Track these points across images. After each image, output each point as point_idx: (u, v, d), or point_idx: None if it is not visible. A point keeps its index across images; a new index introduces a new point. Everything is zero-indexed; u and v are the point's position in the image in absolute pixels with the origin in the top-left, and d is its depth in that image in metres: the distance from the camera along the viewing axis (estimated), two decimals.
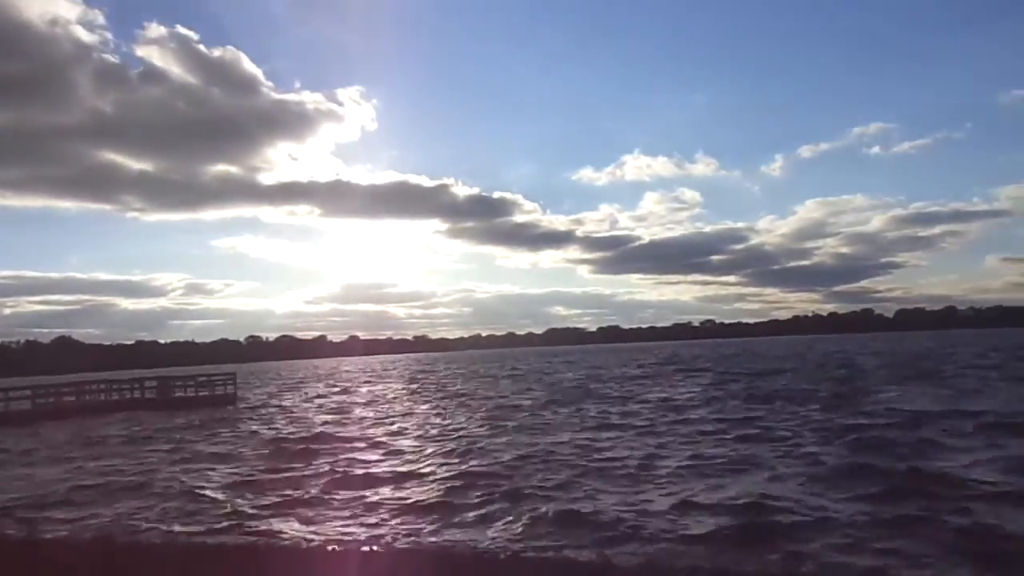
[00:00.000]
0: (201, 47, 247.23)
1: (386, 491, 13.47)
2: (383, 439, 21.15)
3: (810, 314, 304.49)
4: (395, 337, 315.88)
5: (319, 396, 44.59)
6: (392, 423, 25.78)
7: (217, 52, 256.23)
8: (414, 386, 51.07)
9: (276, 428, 26.02)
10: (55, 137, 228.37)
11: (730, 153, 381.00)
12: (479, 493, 12.67)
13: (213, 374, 43.86)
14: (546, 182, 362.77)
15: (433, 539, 9.86)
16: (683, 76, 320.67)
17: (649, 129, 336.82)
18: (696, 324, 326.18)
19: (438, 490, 13.25)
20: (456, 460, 16.57)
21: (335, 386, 56.66)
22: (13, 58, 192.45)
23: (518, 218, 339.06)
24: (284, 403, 39.48)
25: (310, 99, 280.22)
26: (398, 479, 14.62)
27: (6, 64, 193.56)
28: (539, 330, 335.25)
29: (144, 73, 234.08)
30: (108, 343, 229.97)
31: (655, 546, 9.09)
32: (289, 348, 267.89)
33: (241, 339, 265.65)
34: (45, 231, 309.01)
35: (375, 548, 8.19)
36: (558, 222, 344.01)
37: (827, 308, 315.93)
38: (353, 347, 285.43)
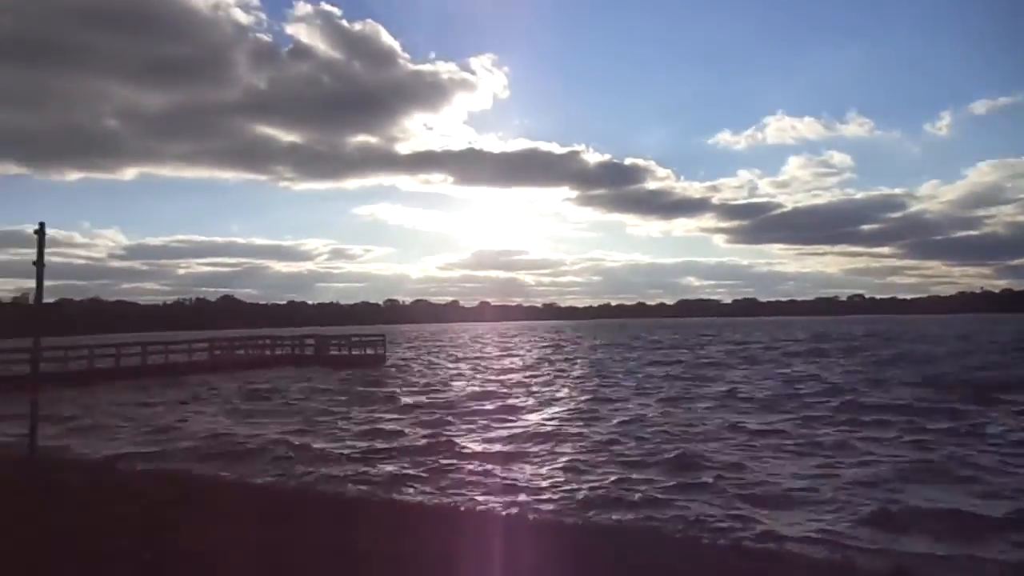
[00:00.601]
0: (343, 22, 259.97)
1: (540, 450, 14.25)
2: (534, 401, 22.11)
3: (979, 290, 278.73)
4: (524, 304, 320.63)
5: (464, 358, 46.66)
6: (543, 386, 26.78)
7: (358, 26, 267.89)
8: (559, 352, 52.13)
9: (429, 387, 27.72)
10: (217, 113, 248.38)
11: (887, 111, 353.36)
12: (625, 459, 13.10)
13: (365, 335, 47.01)
14: (680, 147, 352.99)
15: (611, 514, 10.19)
16: (833, 26, 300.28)
17: (794, 88, 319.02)
18: (843, 298, 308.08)
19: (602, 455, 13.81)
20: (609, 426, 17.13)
21: (477, 349, 58.90)
22: (181, 41, 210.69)
23: (650, 185, 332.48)
24: (431, 363, 41.72)
25: (444, 69, 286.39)
26: (552, 439, 15.38)
27: (175, 47, 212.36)
28: (670, 301, 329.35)
29: (293, 50, 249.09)
30: (264, 302, 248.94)
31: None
32: (424, 312, 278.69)
33: (380, 302, 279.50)
34: (210, 199, 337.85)
35: (515, 513, 8.68)
36: (692, 189, 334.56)
37: (999, 284, 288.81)
38: (484, 313, 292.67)
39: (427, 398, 23.88)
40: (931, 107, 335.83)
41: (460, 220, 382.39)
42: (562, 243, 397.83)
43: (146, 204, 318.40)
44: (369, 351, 43.74)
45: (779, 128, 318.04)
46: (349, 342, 44.89)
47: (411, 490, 11.03)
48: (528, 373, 33.92)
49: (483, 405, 21.47)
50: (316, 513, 6.89)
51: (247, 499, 7.94)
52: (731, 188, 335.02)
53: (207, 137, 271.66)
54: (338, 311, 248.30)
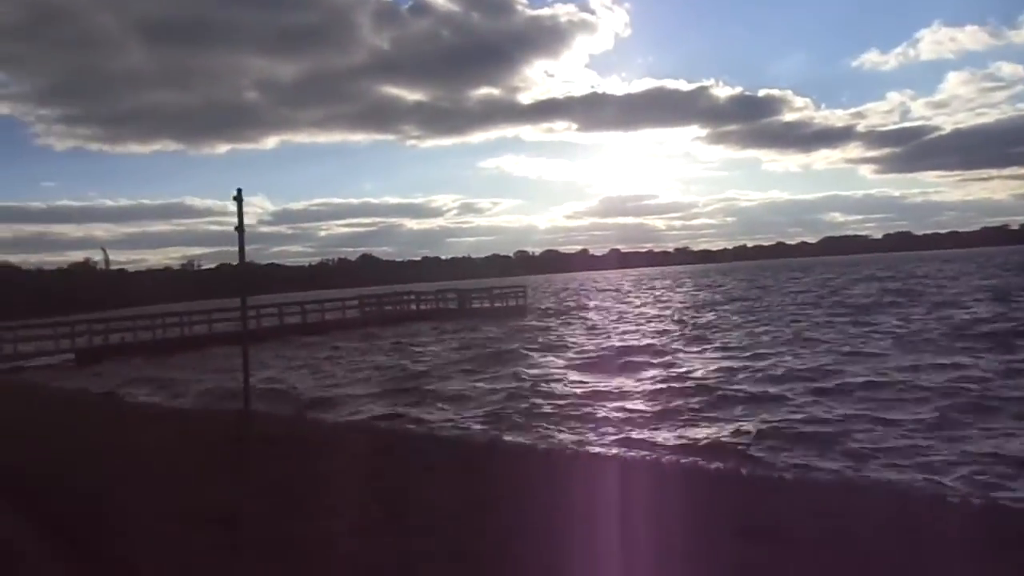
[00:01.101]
0: None
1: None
2: (701, 347, 21.44)
3: None
4: (656, 249, 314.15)
5: (606, 306, 46.29)
6: (706, 331, 25.99)
7: None
8: (701, 296, 50.64)
9: (577, 337, 27.60)
10: (344, 78, 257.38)
11: None
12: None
13: (506, 287, 47.57)
14: (820, 73, 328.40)
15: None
16: None
17: None
18: (1015, 227, 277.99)
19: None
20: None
21: (617, 296, 58.32)
22: (308, 9, 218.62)
23: (787, 117, 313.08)
24: (573, 311, 41.65)
25: (563, 12, 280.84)
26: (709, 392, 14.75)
27: (303, 16, 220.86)
28: (812, 239, 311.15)
29: (413, 7, 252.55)
30: (399, 259, 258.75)
31: None
32: (554, 262, 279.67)
33: (510, 254, 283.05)
34: (343, 162, 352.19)
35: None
36: (834, 117, 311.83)
37: None
38: (614, 260, 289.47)
39: (593, 345, 23.75)
40: None
41: (586, 167, 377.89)
42: (693, 184, 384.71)
43: (286, 171, 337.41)
44: (511, 302, 44.24)
45: (935, 41, 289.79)
46: (491, 294, 45.57)
47: None
48: (681, 318, 33.02)
49: (654, 349, 21.14)
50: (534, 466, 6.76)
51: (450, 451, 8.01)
52: (879, 113, 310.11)
53: (337, 102, 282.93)
54: (469, 265, 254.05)
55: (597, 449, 9.51)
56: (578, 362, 19.97)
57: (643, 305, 45.57)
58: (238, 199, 8.41)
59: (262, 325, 36.84)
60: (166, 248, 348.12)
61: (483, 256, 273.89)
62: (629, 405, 13.46)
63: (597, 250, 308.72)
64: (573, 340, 26.58)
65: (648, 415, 12.58)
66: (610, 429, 11.48)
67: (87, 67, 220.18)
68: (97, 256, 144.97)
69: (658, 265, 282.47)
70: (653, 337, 25.91)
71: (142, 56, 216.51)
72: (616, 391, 15.09)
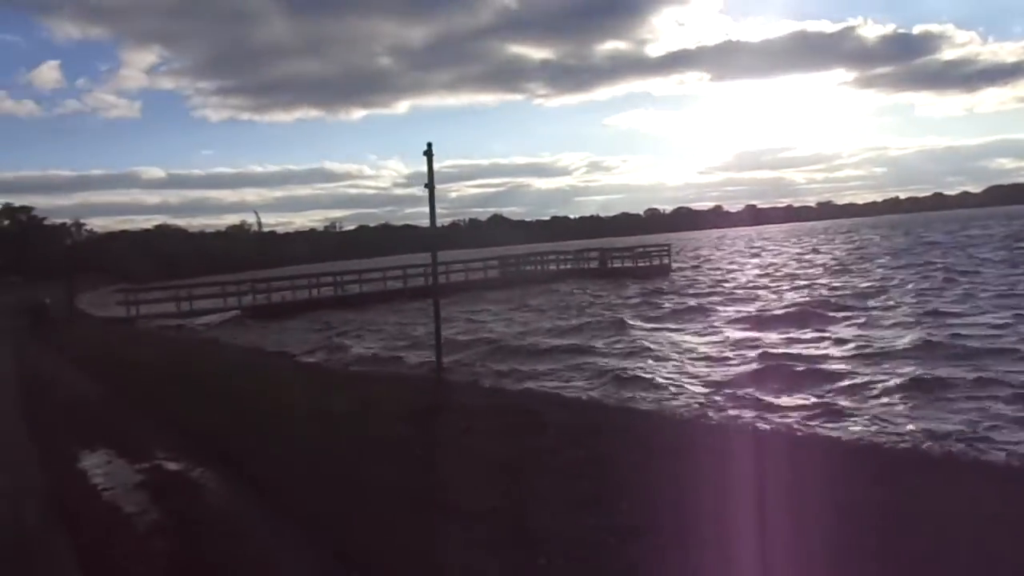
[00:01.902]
0: None
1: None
2: (870, 315, 19.36)
3: None
4: (795, 204, 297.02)
5: (750, 266, 43.76)
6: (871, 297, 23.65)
7: None
8: (859, 254, 46.89)
9: (741, 297, 25.93)
10: (472, 39, 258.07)
11: None
12: None
13: (649, 245, 45.95)
14: (987, 1, 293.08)
15: None
16: None
17: None
18: None
19: None
20: None
21: (759, 254, 55.19)
22: None
23: (947, 54, 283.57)
24: (719, 271, 39.58)
25: None
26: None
27: None
28: (976, 189, 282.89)
29: None
30: (529, 219, 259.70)
31: None
32: (685, 219, 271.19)
33: (640, 212, 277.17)
34: (472, 123, 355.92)
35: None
36: (1004, 51, 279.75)
37: None
38: (750, 217, 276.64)
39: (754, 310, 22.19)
40: None
41: (719, 120, 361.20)
42: (837, 134, 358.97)
43: (418, 133, 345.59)
44: (655, 262, 42.64)
45: None
46: (634, 253, 44.13)
47: None
48: (838, 280, 30.37)
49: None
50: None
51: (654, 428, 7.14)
52: None
53: (465, 63, 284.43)
54: (599, 223, 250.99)
55: None
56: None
57: (789, 262, 42.62)
58: (428, 154, 7.78)
59: (408, 285, 37.53)
60: (310, 211, 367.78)
61: (612, 215, 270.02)
62: None
63: (731, 206, 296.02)
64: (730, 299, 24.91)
65: None
66: None
67: (237, 41, 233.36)
68: (251, 219, 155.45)
69: (797, 221, 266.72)
70: (814, 298, 23.74)
71: (284, 27, 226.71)
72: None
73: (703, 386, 11.75)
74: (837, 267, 37.30)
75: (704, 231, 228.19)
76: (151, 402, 9.33)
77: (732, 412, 9.44)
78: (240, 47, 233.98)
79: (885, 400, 10.32)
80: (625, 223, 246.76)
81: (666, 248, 43.33)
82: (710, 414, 8.75)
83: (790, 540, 3.86)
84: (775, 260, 48.04)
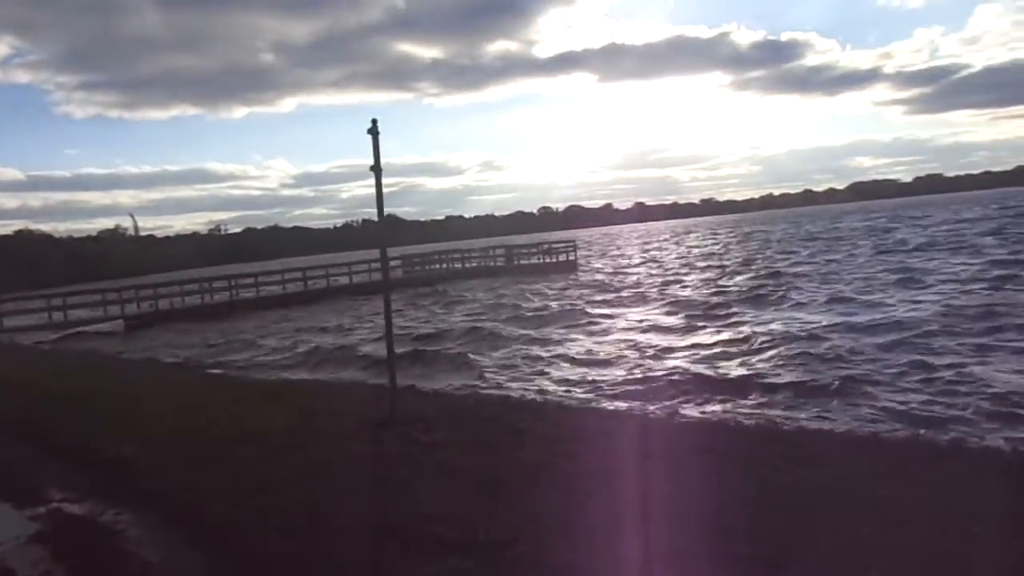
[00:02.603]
0: None
1: None
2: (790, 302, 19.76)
3: None
4: (681, 201, 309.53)
5: (653, 260, 44.58)
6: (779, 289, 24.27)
7: None
8: (749, 247, 48.74)
9: (652, 292, 26.06)
10: (360, 37, 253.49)
11: None
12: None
13: (555, 242, 45.92)
14: (844, 12, 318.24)
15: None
16: None
17: None
18: None
19: None
20: None
21: (657, 249, 56.49)
22: None
23: (810, 60, 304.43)
24: (622, 267, 40.03)
25: None
26: None
27: None
28: (840, 185, 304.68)
29: None
30: (423, 219, 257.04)
31: None
32: (578, 217, 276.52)
33: (534, 211, 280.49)
34: (361, 122, 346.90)
35: None
36: (860, 59, 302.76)
37: None
38: (639, 214, 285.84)
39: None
40: None
41: (606, 120, 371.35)
42: (716, 134, 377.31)
43: (305, 133, 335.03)
44: (561, 257, 42.63)
45: None
46: (540, 250, 43.95)
47: None
48: (736, 273, 31.26)
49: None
50: None
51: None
52: (907, 52, 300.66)
53: (353, 61, 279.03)
54: (494, 222, 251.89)
55: None
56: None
57: (690, 258, 43.81)
58: (373, 131, 6.86)
59: (309, 288, 35.72)
60: (191, 214, 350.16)
61: (506, 213, 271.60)
62: None
63: (620, 204, 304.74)
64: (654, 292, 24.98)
65: None
66: None
67: (103, 32, 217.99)
68: (126, 223, 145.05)
69: (682, 217, 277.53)
70: (732, 290, 24.22)
71: (157, 19, 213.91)
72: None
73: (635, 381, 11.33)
74: (734, 261, 38.54)
75: (595, 228, 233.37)
76: (37, 429, 7.86)
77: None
78: (107, 39, 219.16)
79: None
80: (520, 222, 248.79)
81: (572, 244, 43.45)
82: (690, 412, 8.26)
83: None
84: (673, 255, 49.20)
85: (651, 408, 8.29)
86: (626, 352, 13.19)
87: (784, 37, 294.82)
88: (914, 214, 78.56)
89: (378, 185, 6.92)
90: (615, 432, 6.41)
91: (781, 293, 20.79)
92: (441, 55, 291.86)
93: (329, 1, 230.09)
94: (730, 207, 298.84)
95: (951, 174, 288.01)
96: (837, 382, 9.34)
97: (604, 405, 8.59)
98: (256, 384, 10.56)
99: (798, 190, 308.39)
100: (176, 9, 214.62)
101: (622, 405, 8.43)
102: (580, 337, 15.40)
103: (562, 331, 16.67)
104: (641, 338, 14.74)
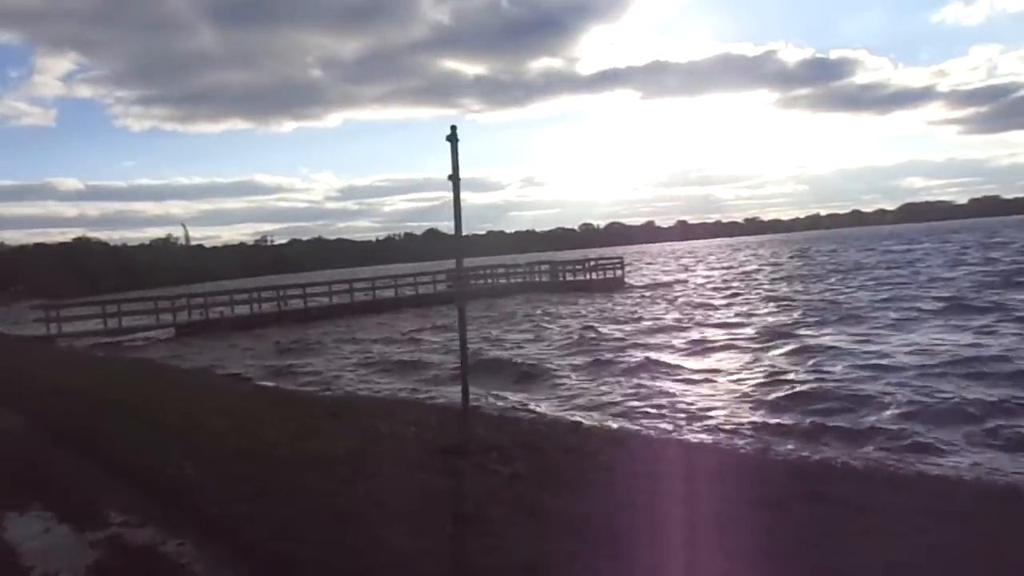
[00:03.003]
0: None
1: None
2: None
3: None
4: (724, 220, 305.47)
5: (696, 278, 43.60)
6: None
7: None
8: (812, 266, 47.35)
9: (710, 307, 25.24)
10: (406, 53, 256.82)
11: None
12: None
13: (601, 258, 45.26)
14: (897, 29, 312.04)
15: None
16: None
17: None
18: None
19: None
20: None
21: (707, 267, 55.37)
22: None
23: (861, 78, 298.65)
24: (674, 285, 39.19)
25: None
26: None
27: None
28: (891, 206, 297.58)
29: None
30: (464, 234, 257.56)
31: None
32: (619, 235, 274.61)
33: (575, 227, 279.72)
34: (406, 137, 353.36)
35: None
36: (913, 77, 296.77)
37: None
38: (681, 232, 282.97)
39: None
40: None
41: (650, 137, 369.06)
42: (761, 152, 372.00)
43: (351, 147, 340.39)
44: (608, 274, 41.93)
45: None
46: (587, 266, 43.32)
47: None
48: (792, 295, 30.18)
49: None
50: None
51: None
52: (963, 70, 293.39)
53: (399, 77, 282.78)
54: (534, 238, 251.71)
55: None
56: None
57: (742, 275, 42.70)
58: (452, 138, 6.46)
59: (354, 300, 35.69)
60: (238, 224, 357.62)
61: (547, 229, 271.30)
62: None
63: (663, 222, 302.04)
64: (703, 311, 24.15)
65: None
66: None
67: (160, 49, 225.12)
68: (178, 232, 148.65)
69: (725, 236, 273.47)
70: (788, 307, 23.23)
71: (211, 37, 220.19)
72: None
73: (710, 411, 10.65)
74: (787, 282, 37.36)
75: (638, 245, 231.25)
76: (95, 440, 7.59)
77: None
78: (163, 56, 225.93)
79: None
80: (561, 237, 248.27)
81: (619, 260, 42.70)
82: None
83: None
84: (727, 274, 48.03)
85: (740, 443, 7.66)
86: (699, 378, 12.49)
87: (833, 55, 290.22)
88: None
89: (456, 194, 6.52)
90: (710, 470, 5.85)
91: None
92: (485, 72, 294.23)
93: (376, 18, 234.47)
94: (774, 227, 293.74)
95: (1009, 196, 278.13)
96: (950, 419, 8.53)
97: (688, 437, 7.98)
98: (315, 400, 10.22)
99: (846, 210, 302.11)
100: (229, 27, 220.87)
101: (706, 438, 7.82)
102: (655, 360, 14.69)
103: (635, 353, 15.98)
104: (717, 363, 13.99)
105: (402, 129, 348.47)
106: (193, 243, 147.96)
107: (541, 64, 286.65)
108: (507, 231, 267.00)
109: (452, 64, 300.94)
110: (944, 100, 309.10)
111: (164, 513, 5.51)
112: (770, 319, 20.90)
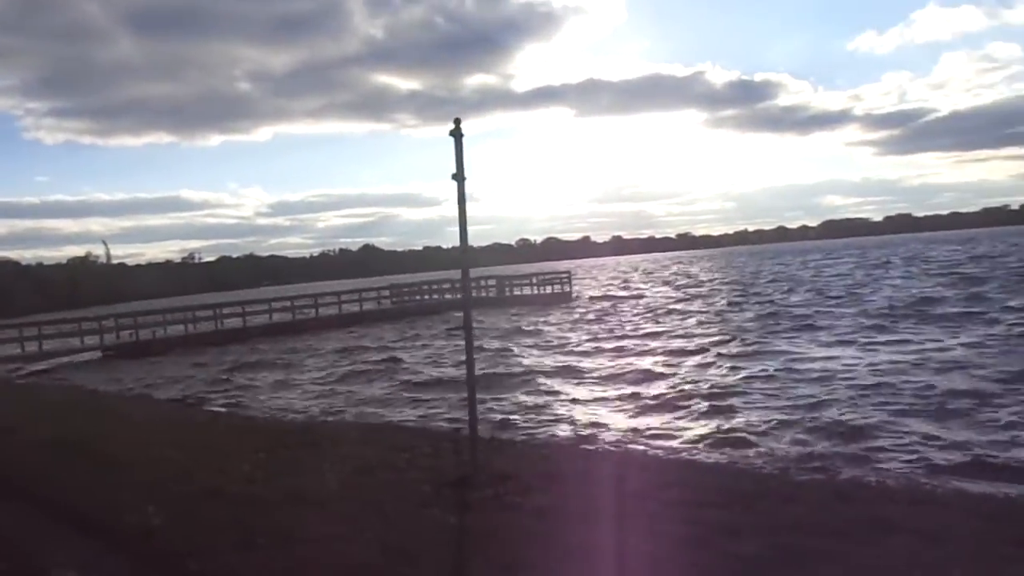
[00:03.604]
0: None
1: None
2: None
3: None
4: (657, 236, 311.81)
5: (637, 292, 43.77)
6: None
7: None
8: (743, 280, 48.19)
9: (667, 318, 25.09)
10: (338, 67, 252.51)
11: None
12: None
13: (548, 272, 44.95)
14: (816, 56, 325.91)
15: None
16: None
17: None
18: (1015, 207, 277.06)
19: None
20: None
21: (645, 282, 55.78)
22: None
23: (783, 100, 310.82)
24: (618, 300, 39.12)
25: None
26: None
27: (296, 3, 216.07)
28: (813, 223, 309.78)
29: None
30: (400, 249, 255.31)
31: None
32: (556, 249, 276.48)
33: (512, 242, 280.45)
34: (339, 152, 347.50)
35: None
36: (831, 100, 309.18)
37: None
38: (616, 247, 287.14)
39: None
40: None
41: (584, 154, 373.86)
42: (691, 170, 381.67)
43: (282, 162, 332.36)
44: (556, 288, 41.62)
45: (931, 22, 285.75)
46: (531, 281, 42.92)
47: None
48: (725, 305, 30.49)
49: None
50: None
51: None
52: (876, 95, 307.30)
53: (331, 91, 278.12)
54: (472, 254, 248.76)
55: None
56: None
57: (680, 288, 43.11)
58: (456, 133, 5.81)
59: (296, 318, 34.24)
60: (164, 241, 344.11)
61: (485, 244, 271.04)
62: None
63: (597, 237, 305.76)
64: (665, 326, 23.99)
65: None
66: None
67: (75, 59, 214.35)
68: (99, 250, 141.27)
69: (659, 251, 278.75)
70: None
71: (131, 47, 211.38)
72: None
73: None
74: (715, 293, 37.81)
75: (574, 260, 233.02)
76: (31, 487, 6.53)
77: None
78: (78, 66, 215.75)
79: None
80: (498, 253, 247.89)
81: (567, 275, 42.47)
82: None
83: None
84: (664, 287, 48.41)
85: (759, 464, 7.16)
86: (690, 387, 12.06)
87: (758, 78, 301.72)
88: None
89: (460, 195, 5.84)
90: (756, 495, 5.31)
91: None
92: (419, 87, 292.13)
93: (307, 32, 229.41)
94: (705, 242, 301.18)
95: (920, 214, 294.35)
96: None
97: (707, 457, 7.45)
98: (281, 426, 9.28)
99: (772, 226, 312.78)
100: (150, 36, 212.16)
101: (734, 453, 7.31)
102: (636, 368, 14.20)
103: (605, 364, 15.47)
104: (708, 377, 13.59)
105: (335, 144, 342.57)
106: (115, 261, 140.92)
107: (476, 80, 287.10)
108: (444, 247, 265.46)
109: (386, 79, 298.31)
110: (860, 123, 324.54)
111: (131, 570, 4.62)
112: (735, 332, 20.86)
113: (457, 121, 5.84)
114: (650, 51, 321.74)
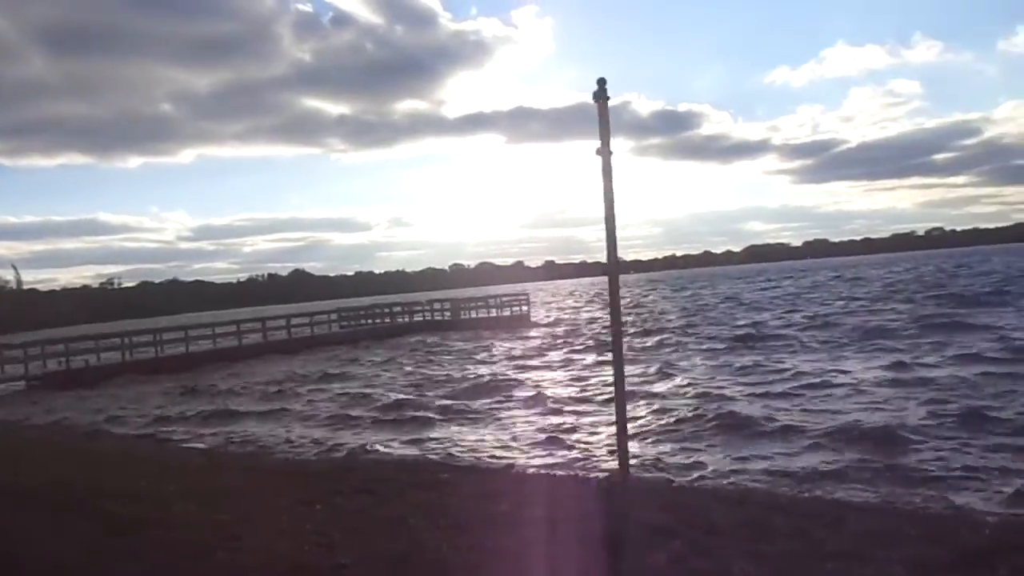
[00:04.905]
0: None
1: None
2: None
3: None
4: (588, 260, 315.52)
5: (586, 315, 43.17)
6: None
7: None
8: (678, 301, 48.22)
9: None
10: (266, 89, 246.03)
11: (957, 31, 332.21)
12: None
13: (506, 295, 43.72)
14: (736, 88, 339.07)
15: None
16: None
17: (854, 14, 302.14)
18: (920, 233, 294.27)
19: None
20: None
21: (587, 304, 55.41)
22: (225, 18, 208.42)
23: (706, 130, 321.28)
24: (577, 320, 38.32)
25: (486, 25, 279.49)
26: None
27: (220, 25, 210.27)
28: (736, 248, 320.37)
29: (335, 18, 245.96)
30: (331, 274, 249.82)
31: None
32: (490, 274, 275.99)
33: (446, 267, 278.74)
34: (267, 176, 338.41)
35: None
36: (751, 131, 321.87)
37: None
38: (548, 272, 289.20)
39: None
40: (1005, 22, 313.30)
41: (515, 180, 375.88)
42: (620, 197, 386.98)
43: (207, 185, 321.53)
44: (514, 310, 40.44)
45: (840, 59, 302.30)
46: (488, 303, 41.62)
47: None
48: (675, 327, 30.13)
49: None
50: None
51: None
52: (792, 126, 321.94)
53: (259, 114, 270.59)
54: (405, 279, 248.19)
55: None
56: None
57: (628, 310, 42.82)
58: (600, 95, 4.65)
59: (243, 343, 31.89)
60: (80, 267, 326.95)
61: (418, 269, 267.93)
62: None
63: (530, 262, 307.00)
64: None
65: None
66: None
67: None
68: (8, 275, 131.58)
69: (591, 276, 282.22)
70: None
71: (42, 64, 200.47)
72: None
73: None
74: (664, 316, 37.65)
75: (507, 285, 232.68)
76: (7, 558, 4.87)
77: None
78: None
79: None
80: (432, 278, 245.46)
81: (525, 297, 41.34)
82: None
83: None
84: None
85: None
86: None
87: (681, 108, 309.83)
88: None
89: (606, 166, 4.66)
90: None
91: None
92: (349, 111, 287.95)
93: (232, 53, 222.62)
94: (635, 266, 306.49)
95: (836, 239, 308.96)
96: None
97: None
98: (308, 467, 7.71)
99: (698, 251, 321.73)
100: (64, 54, 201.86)
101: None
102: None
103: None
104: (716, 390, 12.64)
105: (264, 167, 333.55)
106: (26, 287, 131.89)
107: (406, 106, 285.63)
108: (376, 271, 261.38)
109: (315, 103, 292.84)
110: (777, 152, 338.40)
111: None
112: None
113: (601, 81, 4.68)
114: (577, 80, 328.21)
